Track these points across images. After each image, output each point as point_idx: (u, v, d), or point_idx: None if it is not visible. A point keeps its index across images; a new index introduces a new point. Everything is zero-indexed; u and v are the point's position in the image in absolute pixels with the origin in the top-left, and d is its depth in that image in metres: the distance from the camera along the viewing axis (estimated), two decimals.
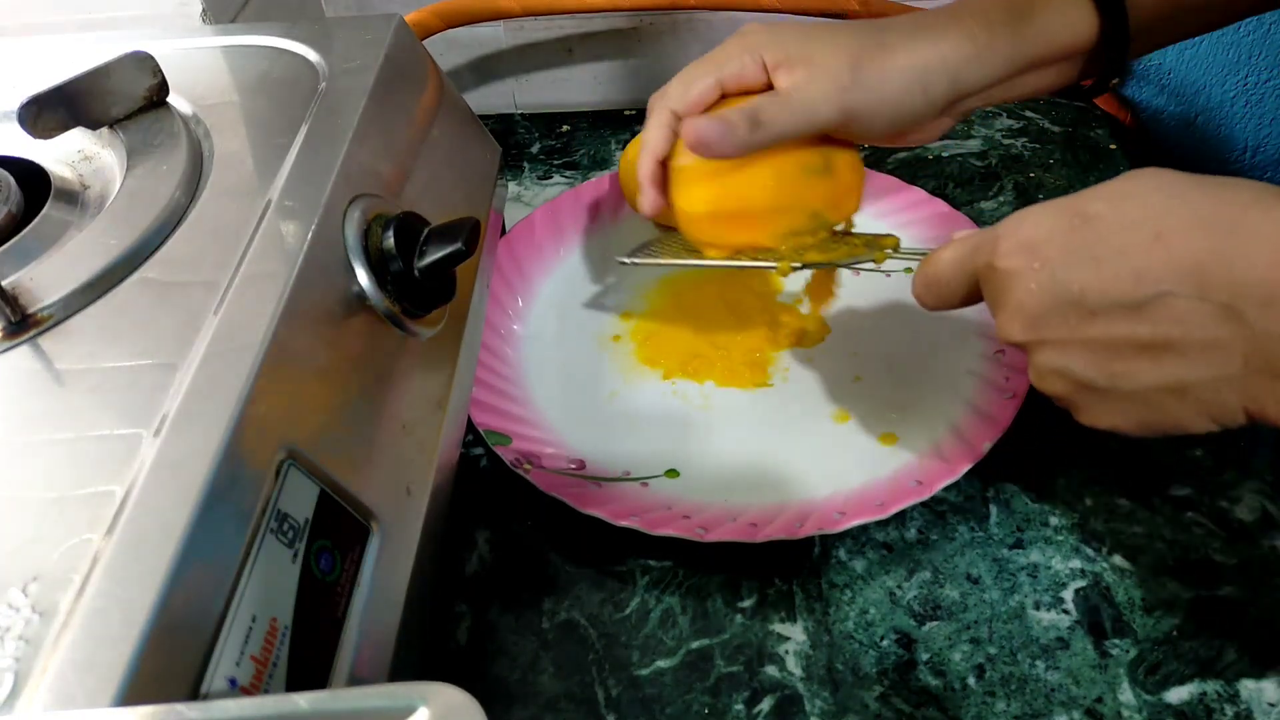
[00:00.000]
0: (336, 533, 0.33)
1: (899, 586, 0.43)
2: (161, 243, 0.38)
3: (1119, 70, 0.44)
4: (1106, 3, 0.42)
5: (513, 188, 0.69)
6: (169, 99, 0.45)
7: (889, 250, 0.45)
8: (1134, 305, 0.30)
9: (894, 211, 0.60)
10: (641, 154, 0.46)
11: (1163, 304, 0.30)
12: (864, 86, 0.41)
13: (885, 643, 0.41)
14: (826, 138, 0.45)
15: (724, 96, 0.44)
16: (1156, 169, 0.32)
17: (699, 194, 0.45)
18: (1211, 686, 0.39)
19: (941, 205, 0.59)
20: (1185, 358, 0.30)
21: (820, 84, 0.41)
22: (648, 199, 0.46)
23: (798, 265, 0.45)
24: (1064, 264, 0.32)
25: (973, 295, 0.37)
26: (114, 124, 0.44)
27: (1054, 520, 0.45)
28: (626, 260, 0.50)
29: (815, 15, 0.67)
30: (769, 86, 0.43)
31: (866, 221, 0.60)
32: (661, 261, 0.49)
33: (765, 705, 0.40)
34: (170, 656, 0.26)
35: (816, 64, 0.41)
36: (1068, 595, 0.42)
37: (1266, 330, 0.28)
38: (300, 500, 0.31)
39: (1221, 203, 0.30)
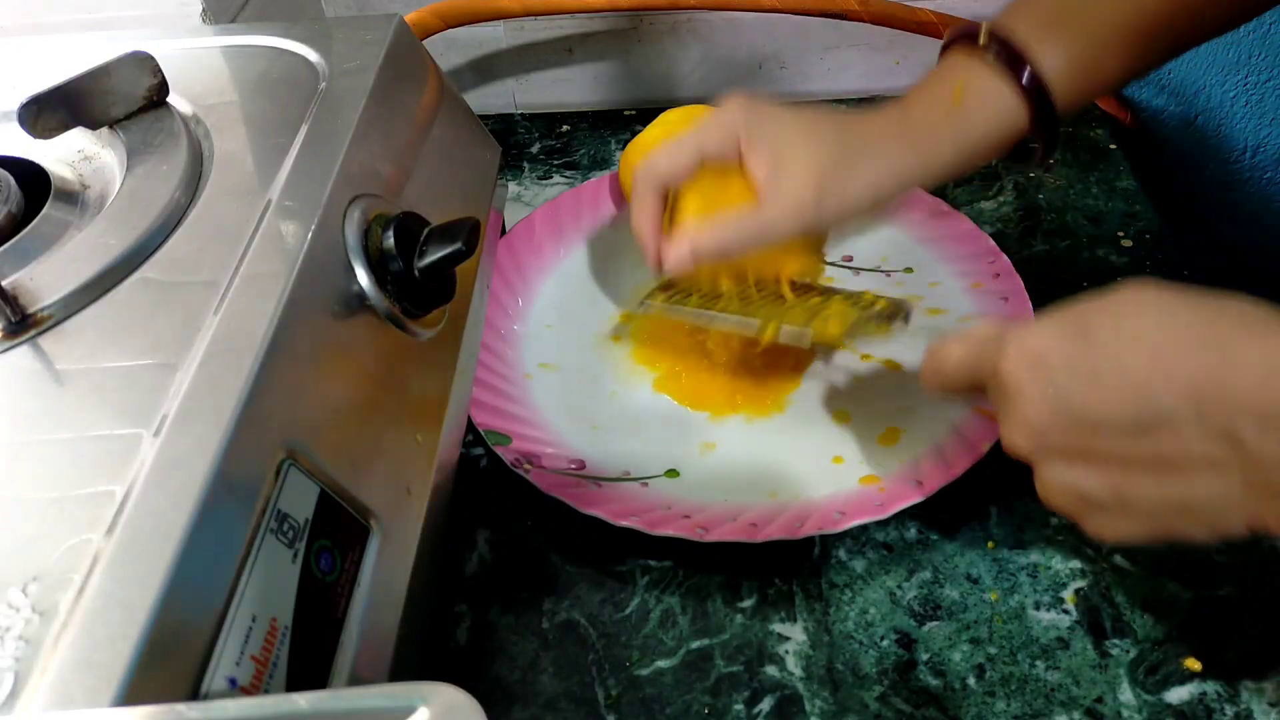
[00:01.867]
0: (336, 532, 0.33)
1: (899, 586, 0.43)
2: (161, 243, 0.38)
3: (1054, 146, 0.46)
4: (1034, 95, 0.43)
5: (513, 188, 0.70)
6: (169, 99, 0.45)
7: (899, 322, 0.46)
8: (1135, 425, 0.31)
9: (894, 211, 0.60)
10: (639, 222, 0.47)
11: (1164, 426, 0.30)
12: (823, 211, 0.44)
13: (885, 643, 0.41)
14: None
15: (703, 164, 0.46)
16: (1153, 283, 0.33)
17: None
18: (1211, 686, 0.39)
19: (941, 204, 0.59)
20: (1187, 477, 0.31)
21: (781, 207, 0.44)
22: (652, 258, 0.47)
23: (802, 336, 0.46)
24: (1067, 380, 0.32)
25: (976, 393, 0.37)
26: (114, 124, 0.44)
27: (1054, 520, 0.45)
28: (639, 309, 0.52)
29: (815, 15, 0.67)
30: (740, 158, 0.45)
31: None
32: (673, 308, 0.50)
33: (765, 705, 0.40)
34: (170, 656, 0.26)
35: (781, 179, 0.44)
36: (1068, 595, 0.42)
37: (1262, 452, 0.29)
38: (300, 500, 0.31)
39: (1211, 324, 0.31)
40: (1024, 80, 0.43)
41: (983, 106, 0.44)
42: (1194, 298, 0.32)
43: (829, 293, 0.49)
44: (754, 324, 0.46)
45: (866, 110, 0.46)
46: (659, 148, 0.47)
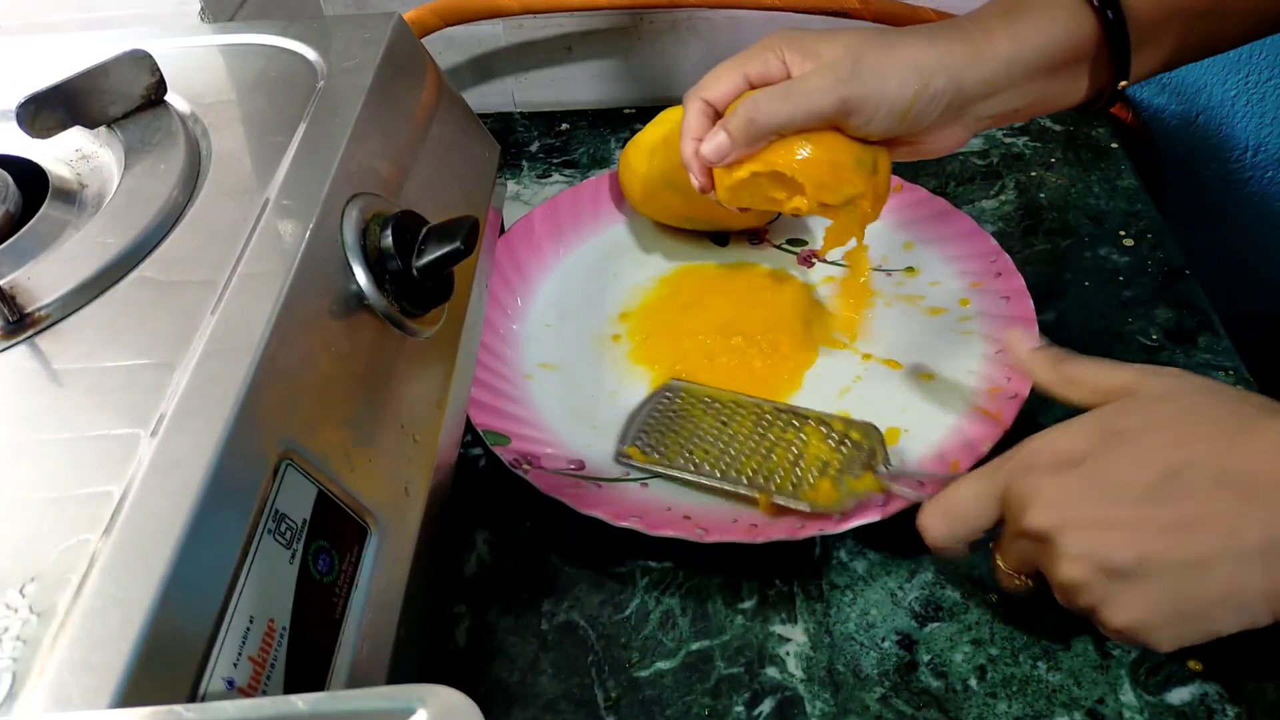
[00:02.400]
0: (334, 533, 0.33)
1: (900, 587, 0.43)
2: (159, 242, 0.38)
3: (1124, 74, 0.44)
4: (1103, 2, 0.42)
5: (512, 186, 0.69)
6: (167, 98, 0.45)
7: (881, 467, 0.44)
8: (1160, 485, 0.33)
9: (895, 210, 0.60)
10: (683, 138, 0.47)
11: (1186, 486, 0.32)
12: (862, 79, 0.43)
13: (886, 644, 0.41)
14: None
15: (752, 87, 0.46)
16: (1170, 379, 0.36)
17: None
18: (1212, 687, 0.39)
19: (943, 204, 0.59)
20: (1207, 533, 0.32)
21: (820, 76, 0.43)
22: (695, 178, 0.48)
23: (781, 502, 0.44)
24: (1097, 460, 0.34)
25: (994, 521, 0.38)
26: (112, 123, 0.44)
27: None
28: (620, 462, 0.48)
29: (815, 14, 0.67)
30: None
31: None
32: (657, 469, 0.47)
33: (766, 707, 0.40)
34: (168, 657, 0.26)
35: (821, 58, 0.44)
36: None
37: (1277, 512, 0.31)
38: (298, 500, 0.31)
39: (1232, 409, 0.34)
40: None
41: (1043, 5, 0.43)
42: (1209, 392, 0.35)
43: (801, 420, 0.47)
44: (743, 489, 0.45)
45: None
46: (707, 75, 0.47)
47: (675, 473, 0.47)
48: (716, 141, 0.45)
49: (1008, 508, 0.36)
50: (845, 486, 0.43)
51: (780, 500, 0.44)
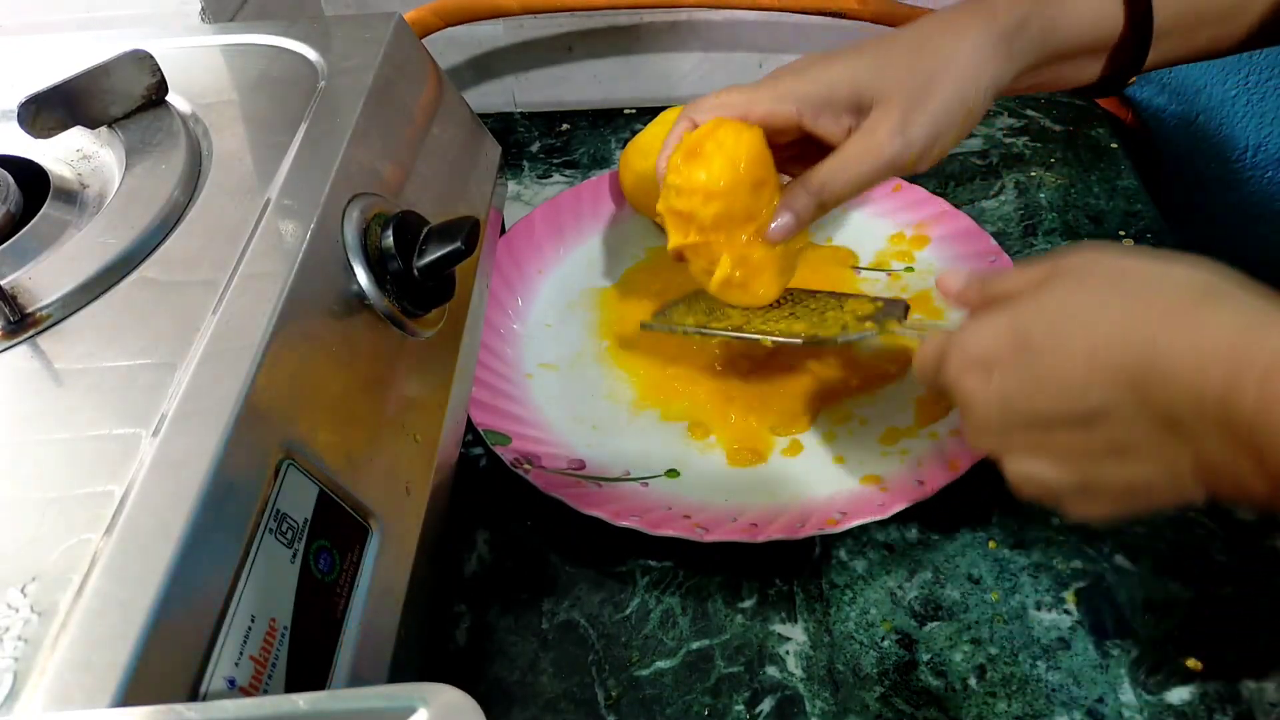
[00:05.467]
0: (336, 533, 0.33)
1: (900, 587, 0.43)
2: (160, 242, 0.38)
3: (1137, 69, 0.45)
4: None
5: (512, 187, 0.69)
6: (168, 98, 0.45)
7: (897, 323, 0.46)
8: (1083, 420, 0.32)
9: (895, 211, 0.60)
10: (661, 150, 0.46)
11: (1109, 417, 0.31)
12: (922, 128, 0.42)
13: (886, 643, 0.41)
14: None
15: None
16: (1080, 258, 0.34)
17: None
18: (1212, 687, 0.39)
19: (943, 204, 0.59)
20: (1142, 460, 0.32)
21: (879, 138, 0.42)
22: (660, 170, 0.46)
23: (807, 339, 0.46)
24: (1012, 386, 0.34)
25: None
26: (113, 123, 0.44)
27: (1055, 520, 0.45)
28: (648, 325, 0.51)
29: (815, 14, 0.67)
30: (799, 128, 0.44)
31: (868, 221, 0.60)
32: (673, 325, 0.50)
33: (766, 706, 0.40)
34: (169, 657, 0.26)
35: (868, 118, 0.42)
36: (1069, 595, 0.42)
37: (1203, 436, 0.30)
38: (299, 500, 0.31)
39: (1143, 308, 0.31)
40: None
41: None
42: (1133, 270, 0.33)
43: (833, 297, 0.49)
44: (752, 337, 0.47)
45: (936, 16, 0.44)
46: (712, 97, 0.45)
47: (701, 329, 0.48)
48: (784, 223, 0.44)
49: (951, 399, 0.37)
50: (847, 329, 0.45)
51: (782, 337, 0.45)
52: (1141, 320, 0.31)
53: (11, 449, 0.31)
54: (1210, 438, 0.30)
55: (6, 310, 0.34)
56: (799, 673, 0.41)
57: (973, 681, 0.40)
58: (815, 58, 0.44)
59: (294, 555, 0.31)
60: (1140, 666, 0.39)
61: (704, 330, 0.48)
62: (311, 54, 0.48)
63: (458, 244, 0.39)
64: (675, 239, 0.45)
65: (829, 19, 0.68)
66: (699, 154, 0.43)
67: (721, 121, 0.43)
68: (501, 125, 0.76)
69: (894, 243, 0.59)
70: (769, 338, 0.46)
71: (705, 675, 0.41)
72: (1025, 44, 0.43)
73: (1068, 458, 0.33)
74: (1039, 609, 0.42)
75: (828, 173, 0.43)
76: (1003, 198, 0.64)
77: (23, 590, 0.26)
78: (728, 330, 0.48)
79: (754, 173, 0.43)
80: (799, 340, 0.46)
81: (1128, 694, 0.39)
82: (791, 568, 0.44)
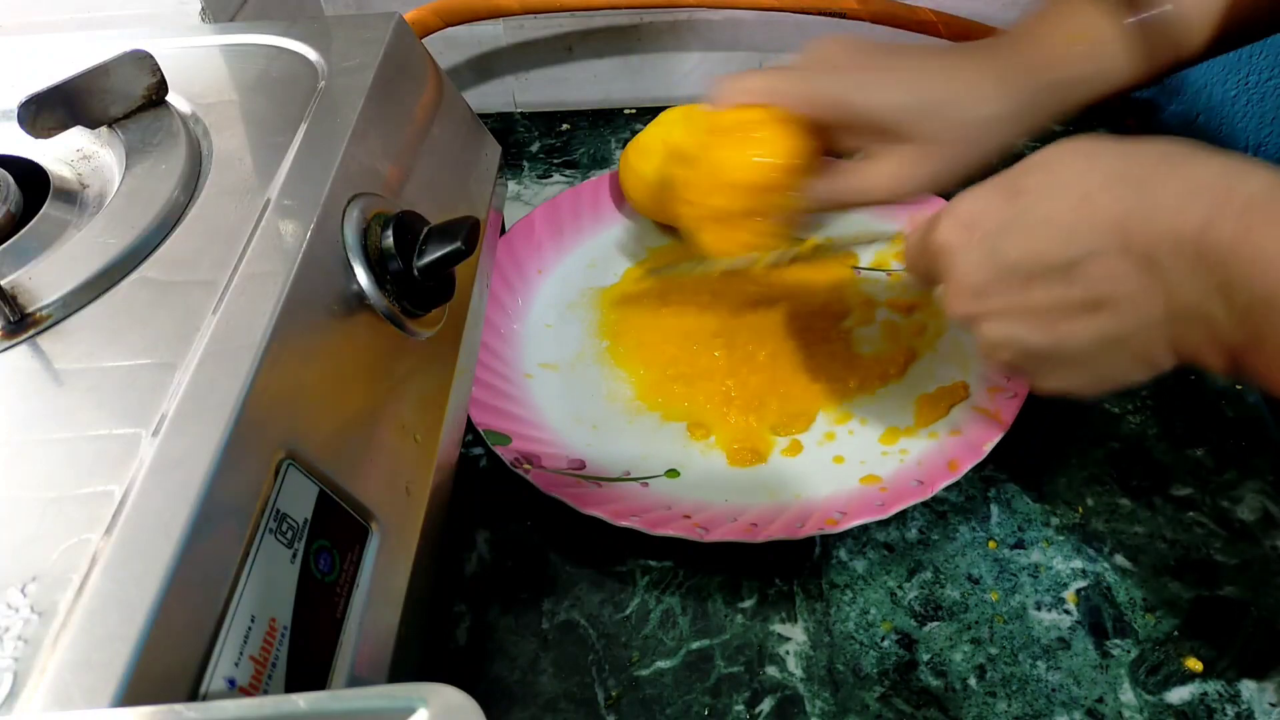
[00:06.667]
0: (336, 533, 0.33)
1: (900, 587, 0.43)
2: (160, 242, 0.38)
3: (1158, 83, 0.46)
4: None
5: (512, 187, 0.69)
6: (168, 98, 0.45)
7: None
8: (1066, 266, 0.33)
9: (894, 210, 0.60)
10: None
11: (1092, 262, 0.32)
12: (925, 187, 0.45)
13: (886, 643, 0.41)
14: None
15: None
16: (1082, 137, 0.35)
17: None
18: (1212, 687, 0.39)
19: (943, 204, 0.59)
20: (1117, 312, 0.32)
21: (879, 184, 0.45)
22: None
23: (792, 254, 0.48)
24: (999, 235, 0.34)
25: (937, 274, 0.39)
26: (113, 123, 0.44)
27: (1055, 520, 0.45)
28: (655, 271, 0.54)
29: (815, 14, 0.67)
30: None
31: (868, 222, 0.60)
32: (673, 267, 0.53)
33: (766, 706, 0.40)
34: (169, 657, 0.26)
35: (899, 152, 0.44)
36: (1069, 595, 0.42)
37: (1178, 276, 0.31)
38: (299, 500, 0.31)
39: (1132, 162, 0.33)
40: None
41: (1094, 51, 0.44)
42: (1117, 143, 0.34)
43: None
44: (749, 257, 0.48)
45: (958, 56, 0.45)
46: (744, 76, 0.46)
47: (697, 265, 0.50)
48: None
49: (936, 268, 0.38)
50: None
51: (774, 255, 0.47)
52: (1131, 169, 0.32)
53: (11, 449, 0.31)
54: (1185, 276, 0.30)
55: (6, 310, 0.34)
56: (799, 673, 0.41)
57: (973, 681, 0.40)
58: (860, 58, 0.45)
59: (294, 555, 0.31)
60: (1140, 666, 0.39)
61: (704, 265, 0.50)
62: (311, 54, 0.48)
63: (458, 244, 0.39)
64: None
65: (829, 19, 0.68)
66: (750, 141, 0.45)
67: (774, 113, 0.45)
68: (501, 125, 0.76)
69: (894, 242, 0.59)
70: (767, 253, 0.47)
71: (705, 675, 0.41)
72: (1056, 98, 0.45)
73: (1044, 318, 0.34)
74: (1039, 609, 0.42)
75: (839, 189, 0.45)
76: None
77: (23, 590, 0.26)
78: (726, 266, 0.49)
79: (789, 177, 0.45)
80: (793, 254, 0.47)
81: (1127, 694, 0.39)
82: (791, 568, 0.44)
